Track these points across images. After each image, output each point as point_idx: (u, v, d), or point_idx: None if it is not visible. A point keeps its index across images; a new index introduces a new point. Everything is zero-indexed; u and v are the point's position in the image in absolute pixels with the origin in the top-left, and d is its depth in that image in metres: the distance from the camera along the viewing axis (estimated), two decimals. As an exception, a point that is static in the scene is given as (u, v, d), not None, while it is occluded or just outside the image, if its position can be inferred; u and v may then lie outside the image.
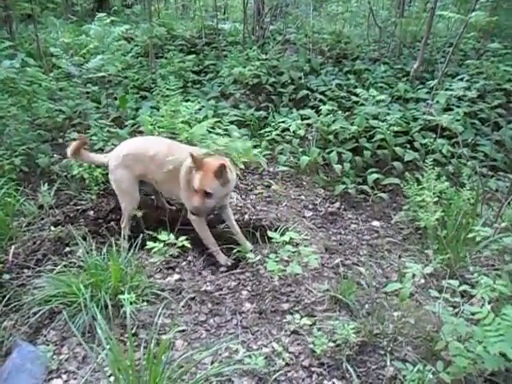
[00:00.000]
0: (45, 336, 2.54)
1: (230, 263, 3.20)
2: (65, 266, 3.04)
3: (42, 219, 3.70)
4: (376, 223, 4.05)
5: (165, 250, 2.64)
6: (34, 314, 2.56)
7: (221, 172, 2.89)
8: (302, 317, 2.56)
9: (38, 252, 3.29)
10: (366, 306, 2.70)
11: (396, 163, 4.43)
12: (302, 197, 4.30)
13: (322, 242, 3.55)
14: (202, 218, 3.27)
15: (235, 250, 3.14)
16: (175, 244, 2.66)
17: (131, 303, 2.37)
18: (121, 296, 2.40)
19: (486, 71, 5.38)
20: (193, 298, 2.78)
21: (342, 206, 4.24)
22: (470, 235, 2.61)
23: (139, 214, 3.13)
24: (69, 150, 3.51)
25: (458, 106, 4.90)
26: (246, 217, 3.81)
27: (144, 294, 2.68)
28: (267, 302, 2.73)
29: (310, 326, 2.50)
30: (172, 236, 2.67)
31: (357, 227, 3.98)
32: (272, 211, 3.93)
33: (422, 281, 2.74)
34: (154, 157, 3.34)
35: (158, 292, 2.76)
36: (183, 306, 2.71)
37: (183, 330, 2.54)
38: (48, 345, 2.47)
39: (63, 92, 5.13)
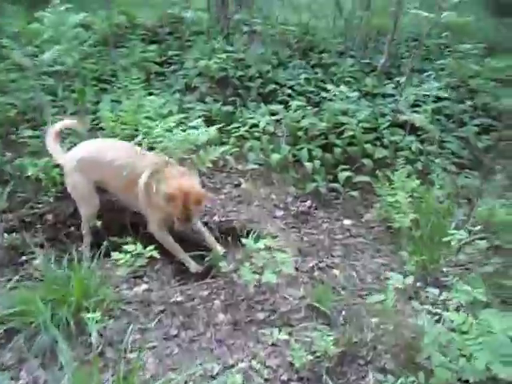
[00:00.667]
0: (0, 359, 2.32)
1: (200, 270, 3.06)
2: (21, 277, 2.82)
3: (-6, 225, 3.40)
4: (348, 222, 4.01)
5: (132, 262, 2.46)
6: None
7: (203, 199, 2.85)
8: (278, 327, 2.46)
9: (-11, 263, 3.02)
10: (343, 312, 2.65)
11: (366, 160, 4.39)
12: (273, 195, 4.20)
13: (295, 244, 3.47)
14: (164, 229, 3.12)
15: (207, 258, 3.00)
16: (142, 254, 2.48)
17: (96, 322, 2.19)
18: (84, 315, 2.21)
19: (452, 67, 5.44)
20: (163, 311, 2.63)
21: (314, 205, 4.17)
22: (446, 239, 2.60)
23: (98, 223, 2.92)
24: (54, 129, 3.43)
25: (424, 102, 4.92)
26: (216, 218, 3.66)
27: (110, 308, 2.50)
28: (242, 311, 2.62)
29: (288, 336, 2.41)
30: (139, 245, 2.49)
31: (329, 226, 3.93)
32: (243, 211, 3.81)
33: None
34: (110, 163, 3.14)
35: (125, 306, 2.59)
36: (153, 320, 2.55)
37: (154, 347, 2.39)
38: (4, 370, 2.25)
39: (15, 84, 4.75)
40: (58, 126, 3.54)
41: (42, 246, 3.18)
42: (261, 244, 2.49)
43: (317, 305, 2.61)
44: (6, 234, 3.22)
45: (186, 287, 2.85)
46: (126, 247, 2.48)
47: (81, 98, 5.07)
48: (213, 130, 3.31)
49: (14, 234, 3.28)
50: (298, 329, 2.52)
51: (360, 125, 4.55)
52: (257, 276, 2.47)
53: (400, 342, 2.37)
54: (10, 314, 2.36)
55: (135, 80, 4.94)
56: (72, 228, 3.44)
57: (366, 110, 4.81)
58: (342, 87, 5.16)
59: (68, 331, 2.29)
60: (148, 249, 2.49)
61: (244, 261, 2.65)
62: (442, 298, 2.15)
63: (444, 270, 2.95)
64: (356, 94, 5.09)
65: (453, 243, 2.53)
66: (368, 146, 4.45)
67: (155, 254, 2.47)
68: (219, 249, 3.19)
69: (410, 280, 2.15)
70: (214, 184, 4.24)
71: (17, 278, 2.87)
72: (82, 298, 2.42)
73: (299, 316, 2.61)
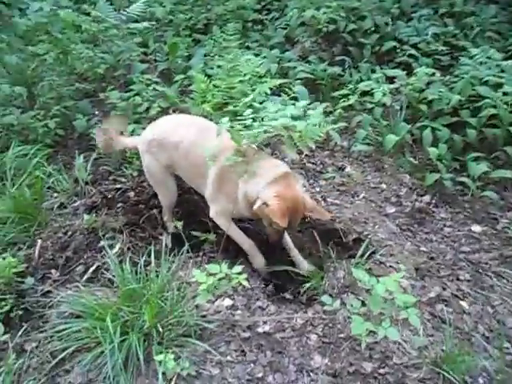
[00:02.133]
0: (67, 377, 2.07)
1: (265, 271, 2.64)
2: (95, 272, 2.55)
3: (76, 201, 3.18)
4: (477, 228, 3.19)
5: (215, 286, 2.01)
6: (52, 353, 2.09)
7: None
8: (389, 386, 1.91)
9: (68, 248, 2.80)
10: (481, 380, 2.00)
11: (511, 149, 3.44)
12: (383, 185, 3.48)
13: (411, 259, 2.80)
14: (228, 218, 2.65)
15: (307, 285, 2.46)
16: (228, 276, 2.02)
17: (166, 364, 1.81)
18: (156, 357, 1.84)
19: None
20: (247, 339, 2.19)
21: (433, 201, 3.39)
22: None
23: (179, 225, 2.51)
24: (100, 145, 3.13)
25: None
26: (315, 214, 3.08)
27: (186, 333, 2.11)
28: (343, 356, 2.09)
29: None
30: (224, 266, 2.03)
31: (452, 232, 3.16)
32: (347, 206, 3.18)
33: None
34: (178, 144, 2.67)
35: (205, 324, 2.19)
36: (234, 351, 2.13)
37: (235, 390, 1.98)
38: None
39: (104, 35, 4.39)
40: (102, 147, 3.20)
41: (121, 232, 2.90)
42: (381, 288, 1.87)
43: (443, 372, 1.98)
44: (86, 216, 2.96)
45: (276, 309, 2.37)
46: (209, 268, 2.03)
47: (172, 53, 4.63)
48: (319, 111, 2.62)
49: (94, 213, 3.02)
50: (415, 393, 1.94)
51: (505, 99, 3.52)
52: (371, 327, 1.89)
53: None
54: (77, 330, 2.08)
55: (230, 33, 4.34)
56: (154, 211, 3.10)
57: (515, 79, 3.74)
58: (482, 46, 4.10)
59: (136, 361, 1.96)
60: (235, 270, 2.02)
61: (352, 298, 2.08)
62: None
63: None
64: (501, 55, 4.00)
65: None
66: (515, 129, 3.46)
67: (243, 280, 1.99)
68: (305, 265, 2.65)
69: None
70: (313, 165, 3.63)
71: (93, 268, 2.66)
72: (155, 318, 2.06)
73: (417, 376, 2.02)
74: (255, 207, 2.33)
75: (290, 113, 2.43)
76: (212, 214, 2.67)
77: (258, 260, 2.66)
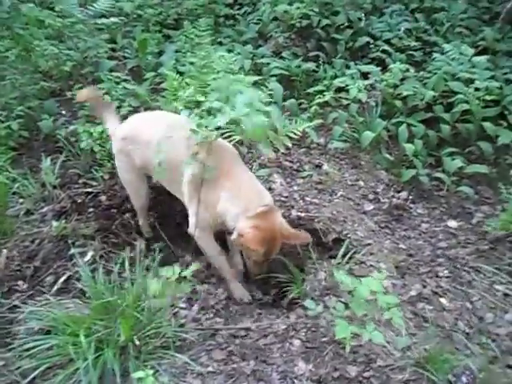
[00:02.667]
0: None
1: (247, 300, 2.47)
2: (65, 283, 2.43)
3: (43, 207, 3.02)
4: (453, 223, 3.22)
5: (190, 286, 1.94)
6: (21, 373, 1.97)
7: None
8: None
9: (36, 257, 2.65)
10: (464, 378, 1.99)
11: (484, 144, 3.47)
12: (361, 182, 3.46)
13: (390, 257, 2.79)
14: (209, 233, 2.46)
15: (290, 289, 2.41)
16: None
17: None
18: (134, 375, 1.74)
19: None
20: (229, 347, 2.12)
21: (410, 197, 3.40)
22: None
23: (142, 245, 2.42)
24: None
25: None
26: (293, 213, 3.03)
27: (164, 344, 2.02)
28: (327, 361, 2.05)
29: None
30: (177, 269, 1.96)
31: (429, 228, 3.18)
32: (325, 205, 3.14)
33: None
34: (148, 142, 2.47)
35: (184, 335, 2.11)
36: (216, 361, 2.06)
37: (217, 402, 1.91)
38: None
39: (70, 30, 4.18)
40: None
41: (93, 238, 2.77)
42: (364, 289, 1.83)
43: (427, 373, 1.96)
44: (54, 222, 2.81)
45: (258, 313, 2.31)
46: (162, 271, 1.95)
47: (142, 49, 4.48)
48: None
49: (64, 220, 2.87)
50: (401, 396, 1.92)
51: (477, 94, 3.56)
52: (355, 331, 1.85)
53: None
54: (48, 347, 1.95)
55: (202, 29, 4.22)
56: (127, 215, 2.98)
57: (486, 73, 3.77)
58: (454, 42, 4.14)
59: (112, 377, 1.86)
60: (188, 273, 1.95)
61: (336, 301, 2.03)
62: None
63: None
64: (471, 50, 4.03)
65: None
66: (487, 124, 3.49)
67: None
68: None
69: None
70: (290, 163, 3.57)
71: (63, 279, 2.53)
72: (132, 331, 1.96)
73: (402, 377, 2.00)
74: (232, 238, 2.27)
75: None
76: (190, 227, 2.43)
77: (240, 292, 2.47)
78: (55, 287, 2.47)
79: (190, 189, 2.40)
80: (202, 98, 2.90)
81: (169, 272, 1.96)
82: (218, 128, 2.14)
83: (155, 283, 1.93)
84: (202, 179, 2.27)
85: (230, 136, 2.45)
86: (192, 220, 2.41)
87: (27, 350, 2.02)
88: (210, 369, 2.02)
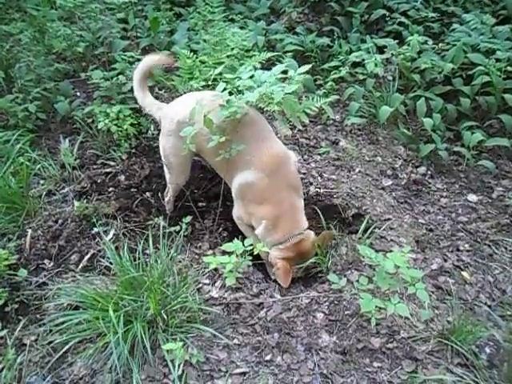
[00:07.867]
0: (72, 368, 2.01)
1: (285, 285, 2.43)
2: (91, 260, 2.48)
3: (64, 188, 3.06)
4: (473, 197, 3.20)
5: (237, 267, 1.97)
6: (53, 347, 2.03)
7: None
8: (398, 360, 1.91)
9: (60, 236, 2.69)
10: (488, 349, 2.01)
11: (505, 117, 3.41)
12: (379, 158, 3.44)
13: (410, 232, 2.78)
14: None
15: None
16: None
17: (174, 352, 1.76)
18: (164, 347, 1.78)
19: None
20: (253, 320, 2.16)
21: (429, 172, 3.37)
22: None
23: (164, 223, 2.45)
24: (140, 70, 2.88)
25: None
26: (312, 189, 3.03)
27: (190, 318, 2.06)
28: (351, 333, 2.08)
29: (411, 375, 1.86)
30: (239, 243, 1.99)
31: (448, 202, 3.16)
32: (343, 181, 3.13)
33: None
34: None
35: (209, 309, 2.15)
36: (241, 334, 2.10)
37: (243, 373, 1.95)
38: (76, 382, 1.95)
39: (81, 11, 4.15)
40: (145, 64, 2.87)
41: (114, 218, 2.81)
42: (389, 263, 1.84)
43: (451, 343, 1.98)
44: (76, 202, 2.85)
45: (280, 286, 2.34)
46: (225, 246, 1.99)
47: (154, 28, 4.43)
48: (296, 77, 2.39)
49: (85, 199, 2.91)
50: (424, 366, 1.94)
51: (498, 66, 3.47)
52: (380, 304, 1.86)
53: None
54: (78, 322, 2.01)
55: (215, 5, 4.16)
56: (147, 194, 3.00)
57: (507, 44, 3.68)
58: (473, 12, 4.04)
59: (142, 349, 1.91)
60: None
61: (359, 275, 2.05)
62: None
63: None
64: (493, 20, 3.93)
65: None
66: (509, 96, 3.42)
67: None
68: None
69: None
70: (307, 140, 3.54)
71: (88, 256, 2.57)
72: (159, 305, 2.00)
73: (426, 348, 2.02)
74: (268, 258, 2.42)
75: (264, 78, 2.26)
76: (235, 215, 2.59)
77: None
78: (81, 265, 2.52)
79: (238, 195, 2.50)
80: (230, 76, 2.80)
81: (233, 247, 1.99)
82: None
83: (211, 258, 1.97)
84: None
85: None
86: (235, 210, 2.57)
87: (57, 325, 2.09)
88: (235, 341, 2.06)
